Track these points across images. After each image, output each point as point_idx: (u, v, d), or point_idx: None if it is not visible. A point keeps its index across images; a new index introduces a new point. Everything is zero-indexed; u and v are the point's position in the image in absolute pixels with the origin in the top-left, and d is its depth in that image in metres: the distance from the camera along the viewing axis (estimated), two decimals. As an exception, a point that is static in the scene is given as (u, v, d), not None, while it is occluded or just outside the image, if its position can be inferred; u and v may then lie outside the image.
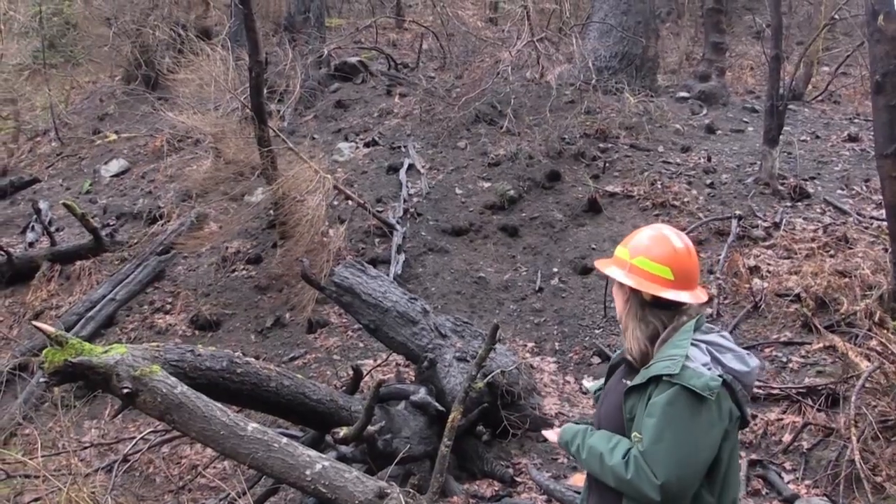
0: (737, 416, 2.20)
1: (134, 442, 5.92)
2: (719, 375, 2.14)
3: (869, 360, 5.46)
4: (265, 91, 8.79)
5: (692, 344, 2.20)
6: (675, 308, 2.27)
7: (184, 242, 8.96)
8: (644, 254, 2.28)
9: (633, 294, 2.29)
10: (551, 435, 2.46)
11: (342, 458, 4.58)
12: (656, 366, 2.17)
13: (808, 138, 10.22)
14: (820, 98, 11.88)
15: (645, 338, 2.27)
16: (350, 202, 8.91)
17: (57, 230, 10.18)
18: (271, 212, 8.93)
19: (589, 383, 3.04)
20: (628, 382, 2.26)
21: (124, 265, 9.10)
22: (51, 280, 9.23)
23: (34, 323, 3.99)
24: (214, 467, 5.89)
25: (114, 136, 13.04)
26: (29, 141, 14.20)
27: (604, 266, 2.40)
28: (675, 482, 2.05)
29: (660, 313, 2.26)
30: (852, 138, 10.04)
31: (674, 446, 2.06)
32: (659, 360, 2.18)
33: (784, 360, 6.03)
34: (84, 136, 13.41)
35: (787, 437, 5.25)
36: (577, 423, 2.38)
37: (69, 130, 13.78)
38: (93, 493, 3.93)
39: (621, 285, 2.34)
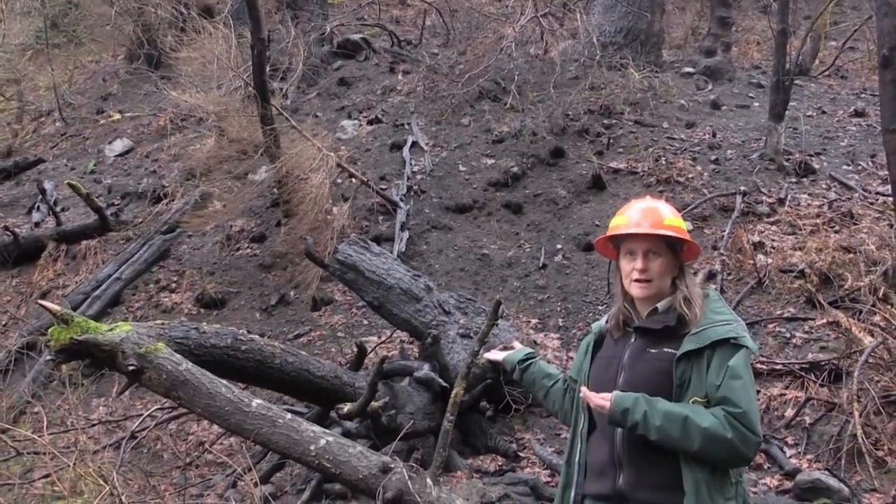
0: None
1: (141, 419, 5.98)
2: None
3: (872, 335, 5.46)
4: (268, 69, 8.75)
5: None
6: None
7: (188, 221, 8.98)
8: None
9: (684, 265, 2.40)
10: (593, 396, 2.29)
11: (346, 433, 4.62)
12: (716, 330, 2.23)
13: (814, 114, 10.14)
14: (827, 73, 11.76)
15: (702, 303, 2.33)
16: (353, 180, 8.90)
17: (62, 210, 10.22)
18: (275, 190, 8.94)
19: (496, 355, 2.88)
20: (669, 350, 2.27)
21: (129, 244, 9.14)
22: (57, 260, 9.28)
23: (40, 302, 4.02)
24: (221, 444, 5.95)
25: (117, 116, 13.03)
26: (33, 121, 14.21)
27: (680, 234, 2.41)
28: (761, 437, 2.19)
29: None
30: (859, 113, 9.95)
31: (755, 405, 2.20)
32: (713, 325, 2.25)
33: (787, 335, 6.03)
34: (88, 116, 13.41)
35: (789, 412, 5.27)
36: (623, 392, 2.27)
37: (73, 110, 13.77)
38: (100, 469, 3.98)
39: (676, 255, 2.39)
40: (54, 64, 14.42)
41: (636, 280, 2.37)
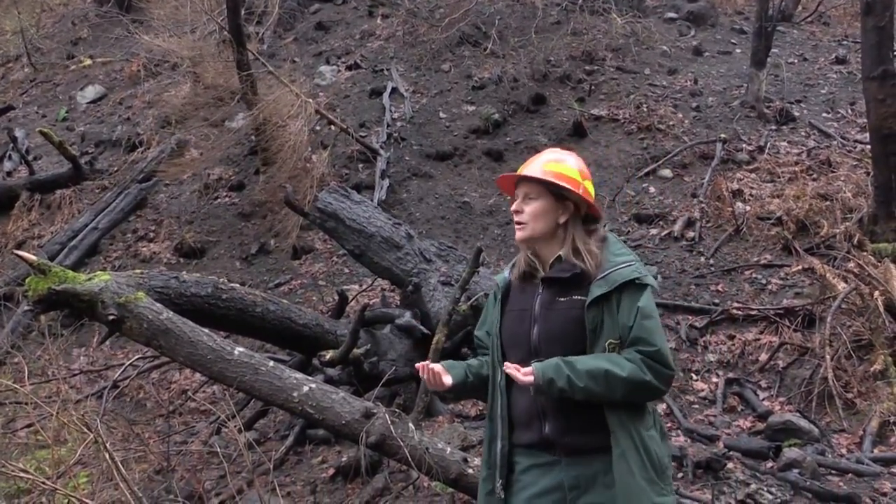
0: None
1: (123, 368, 5.97)
2: None
3: (846, 281, 5.56)
4: (243, 12, 8.54)
5: None
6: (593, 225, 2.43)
7: (165, 170, 8.85)
8: (588, 178, 2.43)
9: (576, 214, 2.38)
10: (517, 373, 2.28)
11: (329, 380, 4.66)
12: (620, 272, 2.26)
13: (796, 60, 10.12)
14: (809, 19, 11.70)
15: (597, 250, 2.34)
16: (333, 127, 8.79)
17: (35, 159, 10.01)
18: (253, 137, 8.81)
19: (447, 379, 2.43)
20: (578, 297, 2.27)
21: (105, 193, 9.01)
22: (31, 209, 9.13)
23: (16, 252, 3.95)
24: (204, 391, 5.99)
25: (89, 61, 12.67)
26: (1, 67, 13.79)
27: (559, 179, 2.35)
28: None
29: (589, 229, 2.41)
30: (840, 60, 9.94)
31: (664, 339, 2.27)
32: (618, 268, 2.27)
33: (763, 282, 6.12)
34: (58, 62, 13.03)
35: (763, 357, 5.38)
36: (541, 362, 2.26)
37: (42, 56, 13.36)
38: (83, 417, 3.99)
39: (560, 203, 2.36)
40: (20, 7, 13.92)
41: (515, 223, 2.42)
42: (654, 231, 7.08)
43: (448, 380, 2.40)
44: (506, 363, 2.33)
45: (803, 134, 8.17)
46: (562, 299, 2.32)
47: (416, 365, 2.48)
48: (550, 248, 2.38)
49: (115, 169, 9.63)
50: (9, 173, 10.05)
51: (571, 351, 2.26)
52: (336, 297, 5.69)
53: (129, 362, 6.03)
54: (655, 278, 2.48)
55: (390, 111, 9.19)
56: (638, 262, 2.31)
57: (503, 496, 2.38)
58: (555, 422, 2.32)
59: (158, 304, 3.78)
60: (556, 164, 2.39)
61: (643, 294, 2.25)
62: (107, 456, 3.41)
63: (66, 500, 3.60)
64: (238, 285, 4.90)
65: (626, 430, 2.23)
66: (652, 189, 7.65)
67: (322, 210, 5.75)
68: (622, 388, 2.20)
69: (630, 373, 2.19)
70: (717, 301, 5.99)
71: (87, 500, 3.49)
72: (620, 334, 2.23)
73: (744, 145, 7.95)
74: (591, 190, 2.41)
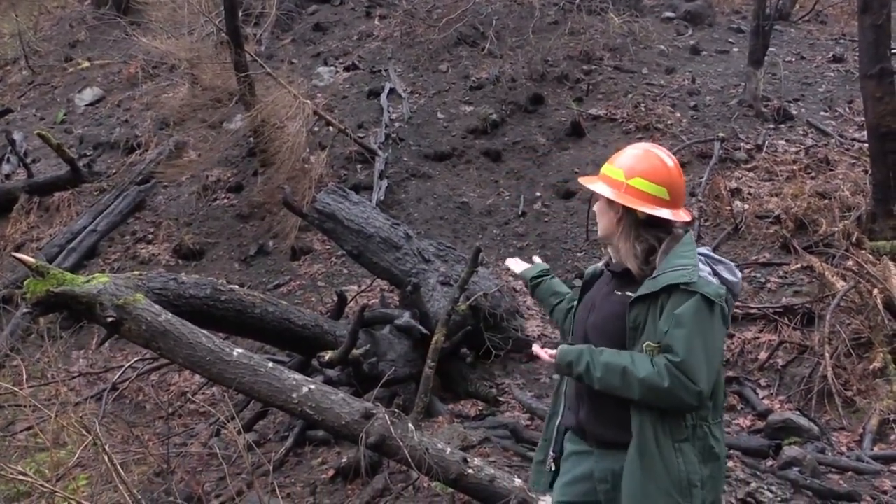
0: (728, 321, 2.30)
1: (122, 370, 5.96)
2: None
3: (845, 279, 5.56)
4: (240, 14, 8.54)
5: None
6: (667, 224, 2.32)
7: (163, 171, 8.85)
8: (641, 174, 2.32)
9: (627, 213, 2.32)
10: (542, 353, 2.36)
11: (329, 381, 4.66)
12: (669, 275, 2.20)
13: (794, 59, 10.12)
14: (806, 18, 11.70)
15: (643, 253, 2.31)
16: (331, 128, 8.79)
17: (33, 161, 10.00)
18: (251, 139, 8.81)
19: (517, 266, 2.96)
20: (629, 293, 2.27)
21: (104, 196, 9.00)
22: (30, 212, 9.12)
23: (15, 255, 3.95)
24: (203, 393, 5.98)
25: (86, 64, 12.67)
26: (-2, 70, 13.79)
27: (590, 183, 2.41)
28: (708, 386, 2.17)
29: (654, 230, 2.32)
30: (837, 59, 9.95)
31: (705, 353, 2.16)
32: (669, 270, 2.21)
33: (762, 280, 6.13)
34: (56, 64, 13.02)
35: (762, 355, 5.38)
36: (571, 345, 2.34)
37: (40, 58, 13.34)
38: (83, 420, 3.98)
39: (611, 204, 2.35)
40: (18, 10, 13.92)
41: None
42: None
43: (514, 266, 2.88)
44: (534, 345, 2.44)
45: (801, 132, 8.18)
46: (617, 293, 2.35)
47: None
48: (609, 242, 2.44)
49: (114, 171, 9.62)
50: (7, 176, 10.04)
51: (615, 345, 2.27)
52: (335, 298, 5.69)
53: (128, 364, 6.03)
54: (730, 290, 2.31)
55: (388, 112, 9.19)
56: (694, 269, 2.20)
57: (553, 469, 2.48)
58: (588, 408, 2.36)
59: (157, 306, 3.78)
60: (609, 162, 2.41)
61: (688, 301, 2.16)
62: (106, 458, 3.40)
63: (66, 503, 3.59)
64: (237, 286, 4.90)
65: (647, 434, 2.20)
66: (650, 188, 7.65)
67: (320, 211, 5.75)
68: (638, 388, 2.17)
69: (647, 375, 2.15)
70: (716, 300, 5.98)
71: (86, 503, 3.48)
72: (659, 339, 2.19)
73: (742, 144, 7.95)
74: (646, 187, 2.29)
